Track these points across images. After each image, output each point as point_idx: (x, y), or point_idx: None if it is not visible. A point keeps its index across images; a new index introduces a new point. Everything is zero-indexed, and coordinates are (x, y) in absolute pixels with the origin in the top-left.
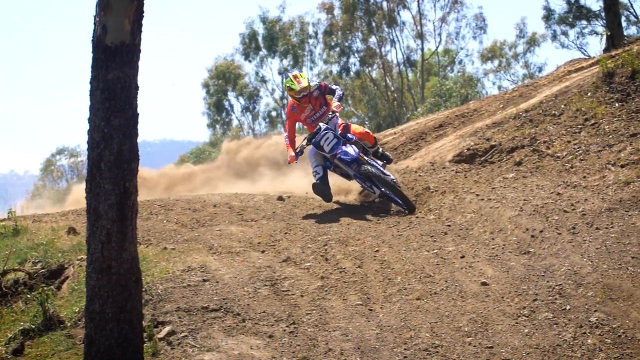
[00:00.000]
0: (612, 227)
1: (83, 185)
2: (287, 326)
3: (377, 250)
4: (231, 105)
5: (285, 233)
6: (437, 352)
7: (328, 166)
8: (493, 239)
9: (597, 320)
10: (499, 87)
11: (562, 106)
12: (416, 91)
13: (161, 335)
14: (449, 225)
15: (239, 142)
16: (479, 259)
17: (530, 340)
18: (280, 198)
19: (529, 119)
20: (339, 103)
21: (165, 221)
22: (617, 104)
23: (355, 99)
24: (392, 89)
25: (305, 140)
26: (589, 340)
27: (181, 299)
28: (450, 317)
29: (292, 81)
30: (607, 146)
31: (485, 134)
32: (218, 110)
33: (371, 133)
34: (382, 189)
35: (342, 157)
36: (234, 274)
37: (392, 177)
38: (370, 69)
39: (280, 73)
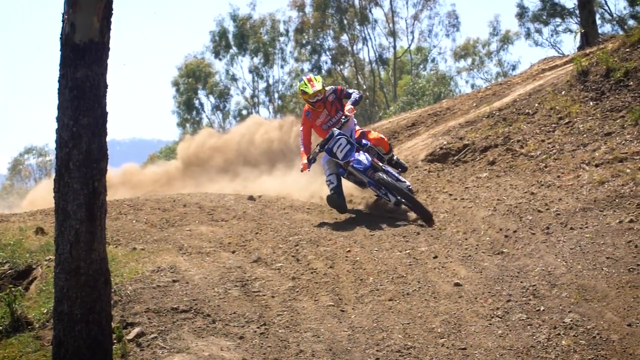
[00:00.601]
0: (586, 227)
1: (40, 187)
2: (257, 327)
3: (348, 251)
4: (201, 104)
5: (256, 233)
6: (409, 353)
7: (342, 173)
8: (466, 239)
9: (571, 321)
10: (472, 86)
11: (536, 105)
12: (388, 89)
13: (130, 336)
14: (421, 225)
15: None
16: (452, 259)
17: (504, 342)
18: (250, 198)
19: (503, 117)
20: (352, 106)
21: (134, 221)
22: (591, 103)
23: None
24: (364, 87)
25: (318, 147)
26: (563, 342)
27: (151, 299)
28: (422, 318)
29: (306, 84)
30: (581, 145)
31: (459, 132)
32: (188, 108)
33: (386, 139)
34: (398, 197)
35: (354, 165)
36: (204, 275)
37: (407, 184)
38: (342, 67)
39: (250, 71)
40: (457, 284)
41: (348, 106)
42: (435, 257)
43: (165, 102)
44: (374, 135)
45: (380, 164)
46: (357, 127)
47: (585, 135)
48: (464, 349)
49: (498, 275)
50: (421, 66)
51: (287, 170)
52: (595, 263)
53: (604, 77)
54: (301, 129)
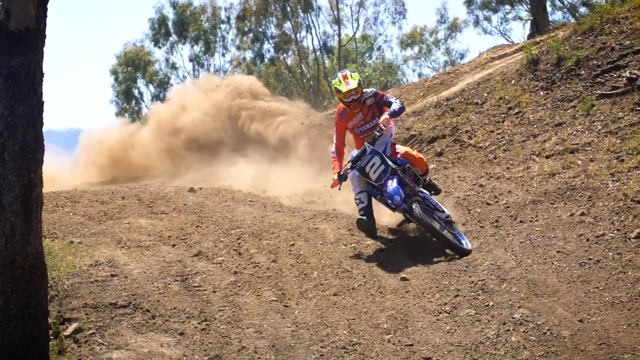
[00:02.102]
0: (536, 220)
1: None
2: (198, 323)
3: (292, 244)
4: (141, 93)
5: (197, 226)
6: (354, 350)
7: (373, 193)
8: (413, 232)
9: (521, 316)
10: (419, 75)
11: (485, 94)
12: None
13: (67, 332)
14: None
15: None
16: (398, 252)
17: (451, 338)
18: (191, 190)
19: (451, 107)
20: (387, 117)
21: (71, 214)
22: (542, 92)
23: (270, 86)
24: (308, 76)
25: (350, 164)
26: (513, 338)
27: (88, 294)
28: (368, 314)
29: (340, 82)
30: (531, 136)
31: (405, 123)
32: (127, 98)
33: (425, 159)
34: (427, 234)
35: (387, 200)
36: (143, 269)
37: (445, 214)
38: (285, 55)
39: (191, 60)
40: (403, 279)
41: (384, 116)
42: (382, 250)
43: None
44: (412, 152)
45: (417, 189)
46: (392, 140)
47: (535, 126)
48: (411, 345)
49: (446, 269)
50: (367, 55)
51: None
52: (545, 257)
53: (555, 66)
54: (334, 130)
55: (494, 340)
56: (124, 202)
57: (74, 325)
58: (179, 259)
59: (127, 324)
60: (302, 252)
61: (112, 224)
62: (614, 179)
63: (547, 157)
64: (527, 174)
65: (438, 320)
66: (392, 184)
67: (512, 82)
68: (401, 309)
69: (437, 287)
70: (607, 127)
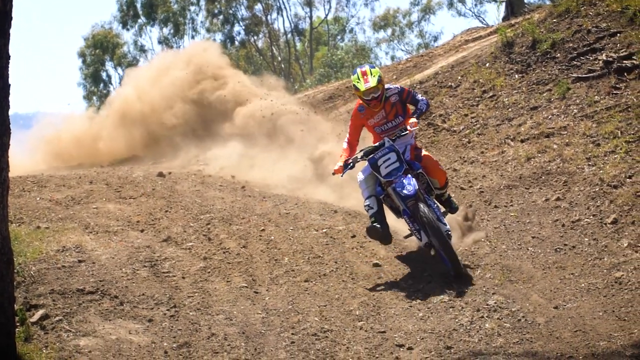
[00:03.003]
0: (511, 205)
1: None
2: (167, 310)
3: (263, 230)
4: (109, 76)
5: (166, 211)
6: (326, 337)
7: (379, 193)
8: (386, 217)
9: (495, 303)
10: (392, 58)
11: (459, 77)
12: (305, 61)
13: (34, 319)
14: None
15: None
16: (370, 238)
17: (425, 325)
18: (160, 174)
19: (424, 90)
20: (415, 120)
21: (38, 198)
22: (516, 76)
23: (240, 69)
24: (279, 59)
25: (362, 153)
26: (487, 325)
27: (55, 280)
28: (340, 300)
29: (359, 79)
30: (506, 120)
31: None
32: (95, 81)
33: (445, 173)
34: (430, 240)
35: (396, 188)
36: (111, 255)
37: (447, 227)
38: (255, 38)
39: (160, 42)
40: (376, 265)
41: (412, 119)
42: (354, 236)
43: (71, 74)
44: (431, 162)
45: (425, 196)
46: (414, 141)
47: (510, 110)
48: (383, 332)
49: (419, 256)
50: (339, 37)
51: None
52: (520, 243)
53: (530, 49)
54: (349, 124)
55: (468, 327)
56: (92, 187)
57: (40, 312)
58: (147, 244)
59: (94, 310)
60: (272, 237)
61: (79, 209)
62: (590, 163)
63: (522, 141)
64: (501, 158)
65: (411, 307)
66: (406, 178)
67: (487, 65)
68: (373, 295)
69: (410, 273)
70: (583, 111)
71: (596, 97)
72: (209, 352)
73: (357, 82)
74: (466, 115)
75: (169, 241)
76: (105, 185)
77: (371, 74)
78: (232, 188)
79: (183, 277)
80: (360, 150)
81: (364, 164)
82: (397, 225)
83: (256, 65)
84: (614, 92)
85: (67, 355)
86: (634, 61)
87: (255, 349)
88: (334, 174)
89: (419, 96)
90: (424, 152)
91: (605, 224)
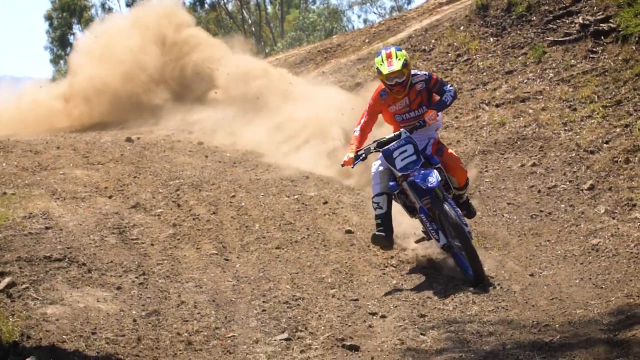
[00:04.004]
0: (486, 171)
1: None
2: (136, 277)
3: (233, 196)
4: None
5: (134, 177)
6: (298, 305)
7: (392, 188)
8: (359, 184)
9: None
10: (365, 21)
11: (433, 41)
12: (275, 25)
13: (0, 287)
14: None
15: None
16: (343, 205)
17: (398, 293)
18: (128, 139)
19: None
20: (435, 112)
21: (4, 164)
22: (491, 39)
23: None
24: (250, 22)
25: (375, 144)
26: (462, 293)
27: (22, 247)
28: (312, 268)
29: (382, 61)
30: (481, 84)
31: (350, 70)
32: (62, 44)
33: (466, 172)
34: (450, 240)
35: (416, 180)
36: (78, 221)
37: (469, 228)
38: (225, 1)
39: (128, 5)
40: (348, 231)
41: (432, 111)
42: (326, 202)
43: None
44: (452, 159)
45: (444, 194)
46: (437, 136)
47: (485, 74)
48: (356, 300)
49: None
50: (311, 0)
51: None
52: (495, 209)
53: (505, 12)
54: (366, 108)
55: (443, 295)
56: (59, 152)
57: (7, 280)
58: (115, 210)
59: (62, 278)
60: (243, 204)
61: (46, 175)
62: (566, 128)
63: (497, 105)
64: (476, 123)
65: (384, 274)
66: (426, 171)
67: (461, 28)
68: (346, 262)
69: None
70: (559, 75)
71: (572, 61)
72: (178, 320)
73: (381, 65)
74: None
75: (137, 207)
76: (73, 150)
77: (396, 57)
78: (202, 154)
79: (152, 244)
80: (374, 141)
81: (377, 155)
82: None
83: (226, 29)
84: (591, 56)
85: (34, 324)
86: (611, 24)
87: (225, 317)
88: (343, 165)
89: (448, 86)
90: (447, 149)
91: (582, 190)
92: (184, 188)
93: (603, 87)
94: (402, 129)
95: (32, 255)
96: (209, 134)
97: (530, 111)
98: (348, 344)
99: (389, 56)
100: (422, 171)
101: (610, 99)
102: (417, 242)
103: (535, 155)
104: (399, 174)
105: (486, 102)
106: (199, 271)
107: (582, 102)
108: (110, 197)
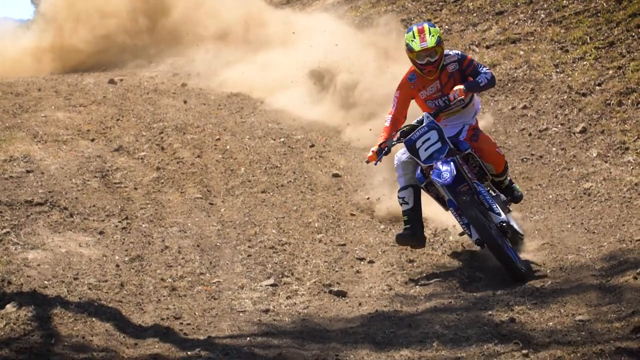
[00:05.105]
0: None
1: None
2: (119, 222)
3: (218, 139)
4: None
5: (117, 119)
6: (284, 249)
7: (420, 180)
8: (347, 124)
9: None
10: None
11: None
12: None
13: None
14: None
15: None
16: (330, 148)
17: (386, 238)
18: (111, 81)
19: None
20: (462, 88)
21: None
22: None
23: None
24: None
25: (399, 134)
26: (451, 238)
27: (2, 192)
28: (298, 212)
29: (414, 37)
30: (471, 25)
31: (337, 11)
32: None
33: (503, 157)
34: (479, 238)
35: (433, 177)
36: (60, 165)
37: (501, 218)
38: None
39: None
40: (336, 175)
41: (459, 86)
42: (312, 145)
43: None
44: (487, 144)
45: (474, 182)
46: (475, 121)
47: (475, 15)
48: (344, 245)
49: (380, 165)
50: None
51: None
52: None
53: None
54: (395, 95)
55: (431, 240)
56: (40, 94)
57: None
58: (98, 154)
59: (43, 222)
60: (228, 147)
61: (27, 117)
62: (557, 70)
63: (487, 47)
64: None
65: (372, 219)
66: (445, 163)
67: None
68: (333, 207)
69: (370, 184)
70: (550, 16)
71: (564, 1)
72: (162, 266)
73: (412, 41)
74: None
75: (120, 151)
76: (55, 92)
77: (429, 33)
78: (187, 95)
79: (135, 188)
80: (398, 130)
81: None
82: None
83: None
84: None
85: (15, 269)
86: None
87: (210, 262)
88: (367, 162)
89: (484, 68)
90: (482, 134)
91: (574, 133)
92: (167, 131)
93: (595, 29)
94: (424, 113)
95: (12, 200)
96: (193, 76)
97: (521, 53)
98: (335, 289)
99: (420, 32)
100: (438, 165)
101: (602, 40)
102: (461, 234)
103: (527, 98)
104: (425, 165)
105: (476, 43)
106: (183, 215)
107: (574, 44)
108: (92, 140)
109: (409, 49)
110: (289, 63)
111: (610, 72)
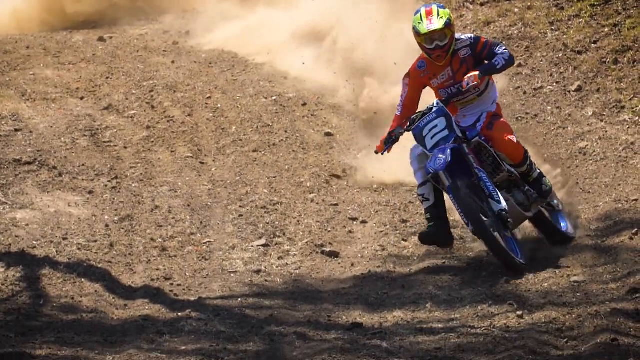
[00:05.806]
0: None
1: None
2: (109, 181)
3: (209, 97)
4: None
5: (107, 78)
6: (275, 209)
7: (427, 172)
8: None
9: None
10: None
11: None
12: None
13: None
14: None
15: None
16: (322, 106)
17: (379, 197)
18: (101, 39)
19: None
20: (478, 73)
21: None
22: None
23: None
24: None
25: (408, 122)
26: (445, 197)
27: None
28: (290, 172)
29: (421, 19)
30: None
31: None
32: None
33: (521, 147)
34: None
35: (427, 164)
36: (49, 123)
37: (501, 206)
38: None
39: None
40: (328, 134)
41: (473, 72)
42: (304, 104)
43: None
44: (501, 132)
45: (476, 168)
46: (495, 108)
47: None
48: (336, 204)
49: (373, 124)
50: None
51: None
52: None
53: None
54: (405, 82)
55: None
56: (29, 52)
57: None
58: (87, 112)
59: (32, 182)
60: (219, 105)
61: (16, 75)
62: (553, 28)
63: (481, 4)
64: (460, 22)
65: (365, 178)
66: (440, 152)
67: None
68: (325, 166)
69: (365, 142)
70: None
71: None
72: (152, 226)
73: (419, 24)
74: None
75: (110, 109)
76: (43, 50)
77: (438, 15)
78: (177, 53)
79: (125, 147)
80: (408, 118)
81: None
82: None
83: None
84: None
85: (4, 229)
86: None
87: (201, 222)
88: (376, 152)
89: (501, 48)
90: (499, 122)
91: (569, 91)
92: (158, 89)
93: None
94: (435, 100)
95: (1, 159)
96: (184, 35)
97: (516, 10)
98: (327, 250)
99: (428, 13)
100: (436, 152)
101: None
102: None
103: (521, 56)
104: (431, 154)
105: (470, 1)
106: (173, 175)
107: (569, 1)
108: (81, 98)
109: (416, 32)
110: (284, 21)
111: (606, 29)
